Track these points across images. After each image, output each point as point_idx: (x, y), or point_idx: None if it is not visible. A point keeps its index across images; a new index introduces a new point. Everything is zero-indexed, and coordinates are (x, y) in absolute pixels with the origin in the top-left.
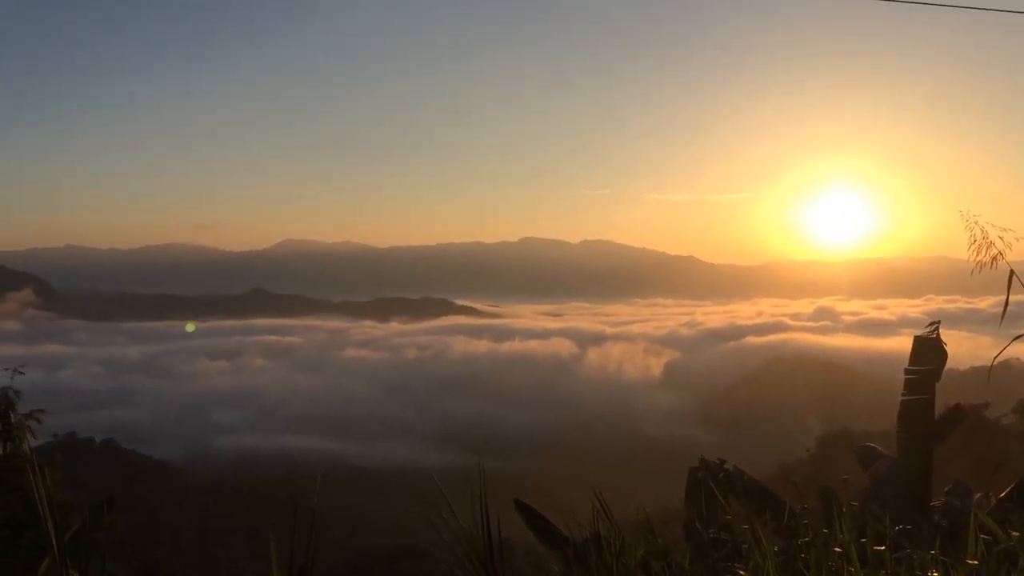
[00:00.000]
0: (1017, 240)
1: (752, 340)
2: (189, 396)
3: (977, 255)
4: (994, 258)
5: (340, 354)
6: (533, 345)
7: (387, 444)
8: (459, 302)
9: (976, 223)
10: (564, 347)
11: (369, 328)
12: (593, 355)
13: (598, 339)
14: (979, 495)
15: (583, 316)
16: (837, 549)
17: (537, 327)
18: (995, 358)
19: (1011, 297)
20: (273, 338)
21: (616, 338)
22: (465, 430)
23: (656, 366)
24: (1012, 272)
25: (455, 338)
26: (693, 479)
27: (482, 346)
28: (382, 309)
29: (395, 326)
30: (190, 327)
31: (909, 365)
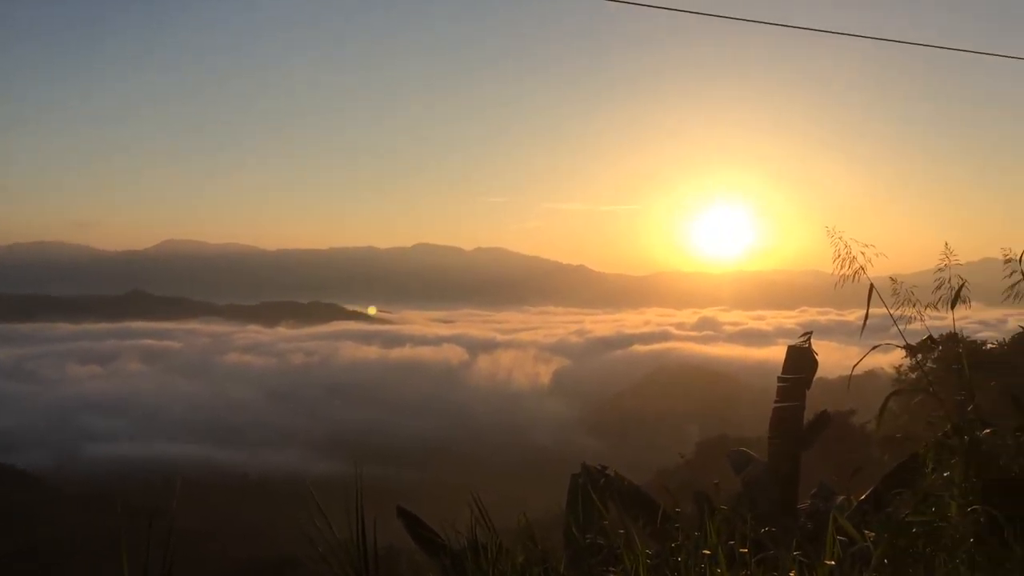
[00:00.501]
0: (877, 256)
1: (638, 348)
2: (58, 401)
3: (841, 269)
4: (856, 272)
5: (223, 359)
6: (423, 352)
7: (272, 452)
8: (349, 307)
9: (840, 239)
10: (455, 354)
11: (254, 333)
12: (483, 362)
13: (489, 346)
14: (841, 498)
15: (474, 323)
16: (706, 552)
17: (428, 333)
18: (853, 368)
19: (873, 310)
20: (151, 342)
21: (507, 345)
22: (353, 438)
23: (545, 374)
24: (872, 286)
25: (344, 344)
26: (574, 485)
27: (372, 352)
28: (269, 313)
29: (282, 331)
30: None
31: (782, 374)
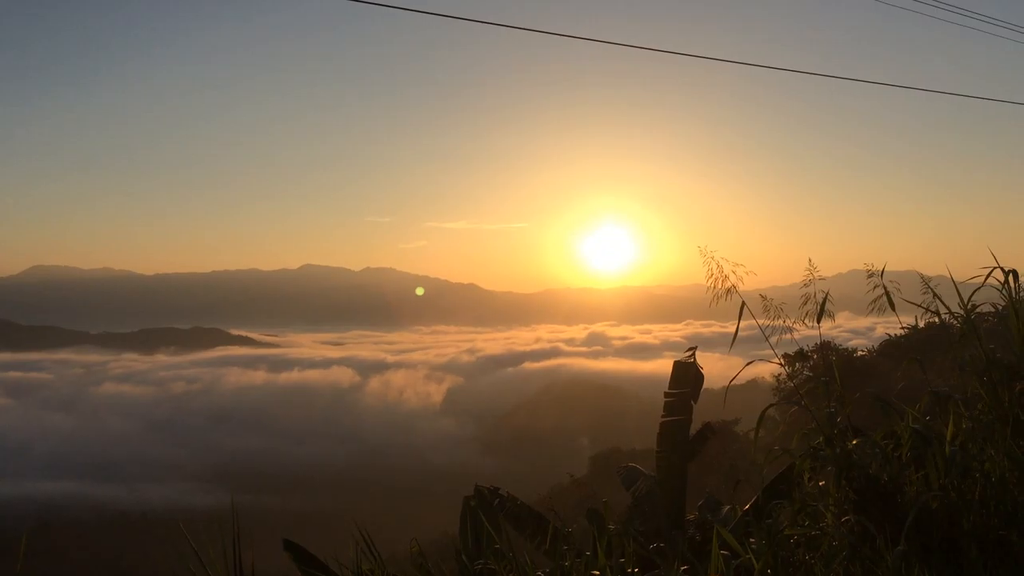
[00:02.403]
0: (748, 274)
1: (529, 365)
2: None
3: (715, 287)
4: (728, 290)
5: (97, 390)
6: (312, 375)
7: (153, 486)
8: (234, 332)
9: (712, 258)
10: (345, 376)
11: (131, 361)
12: (375, 384)
13: (379, 367)
14: (727, 508)
15: (364, 345)
16: (595, 572)
17: (317, 356)
18: (729, 383)
19: (749, 323)
20: (17, 374)
21: (398, 366)
22: (240, 467)
23: (437, 393)
24: (743, 304)
25: (228, 370)
26: (466, 508)
27: (258, 377)
28: (146, 341)
29: (161, 358)
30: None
31: (668, 389)
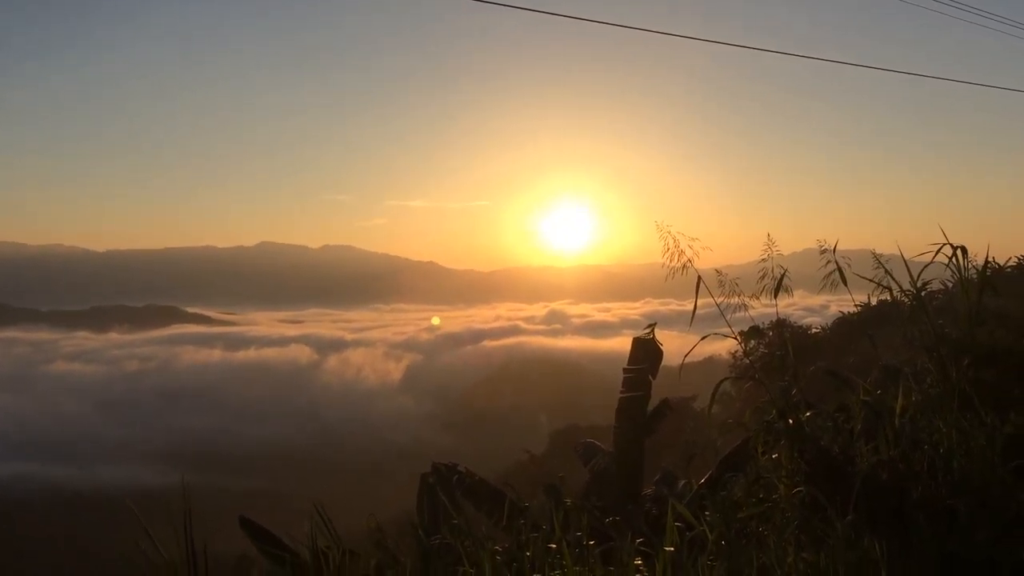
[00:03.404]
0: (704, 249)
1: (489, 344)
2: None
3: (671, 262)
4: (684, 265)
5: (47, 369)
6: (269, 353)
7: (107, 466)
8: (189, 309)
9: (669, 233)
10: (303, 354)
11: (82, 340)
12: (333, 362)
13: (338, 345)
14: (683, 482)
15: (323, 322)
16: (552, 545)
17: (274, 334)
18: (684, 357)
19: (707, 300)
20: None
21: (356, 344)
22: (196, 446)
23: (396, 371)
24: (699, 278)
25: (183, 348)
26: (424, 485)
27: (214, 355)
28: (98, 318)
29: (114, 337)
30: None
31: (628, 365)
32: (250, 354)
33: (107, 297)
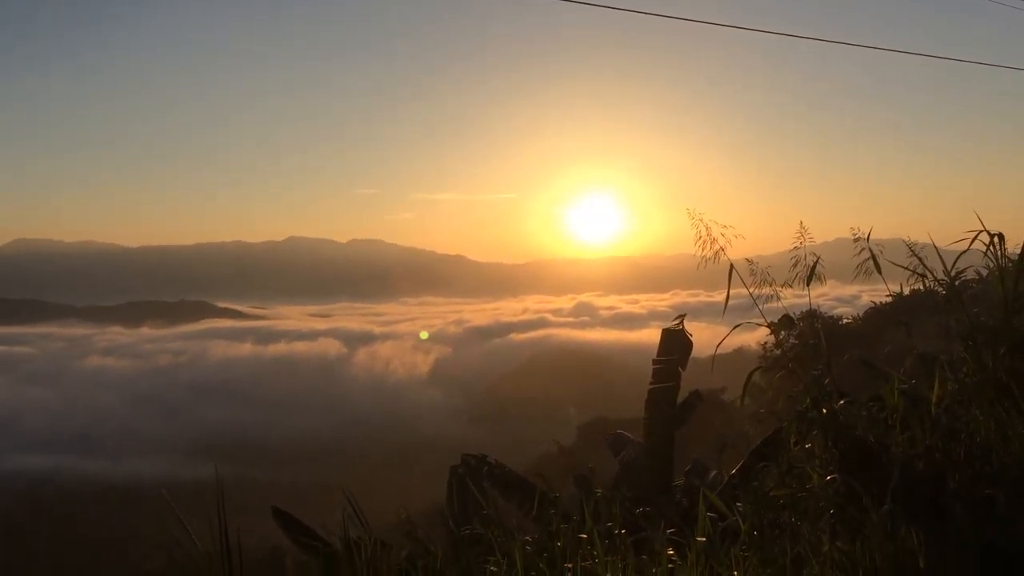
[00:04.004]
0: (736, 237)
1: (516, 336)
2: None
3: (702, 250)
4: (716, 253)
5: (81, 363)
6: (299, 347)
7: (140, 459)
8: (220, 304)
9: (701, 220)
10: (332, 348)
11: (116, 334)
12: (362, 355)
13: (367, 339)
14: (713, 473)
15: (352, 316)
16: (582, 535)
17: (304, 328)
18: (716, 347)
19: (737, 290)
20: (1, 348)
21: (385, 337)
22: (227, 439)
23: (425, 364)
24: (732, 266)
25: (214, 342)
26: (454, 476)
27: (244, 349)
28: (132, 314)
29: (146, 331)
30: None
31: (657, 356)
32: (280, 348)
33: (140, 292)
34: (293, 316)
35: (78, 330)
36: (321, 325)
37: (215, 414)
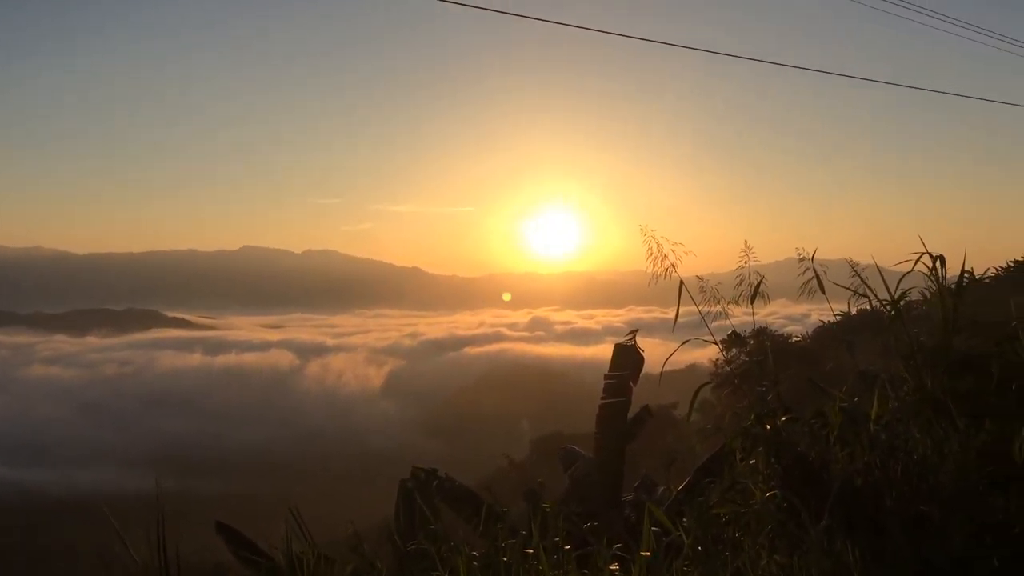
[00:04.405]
0: (687, 254)
1: (471, 350)
2: None
3: (653, 267)
4: (667, 270)
5: (25, 372)
6: (250, 358)
7: (85, 470)
8: (169, 314)
9: (653, 237)
10: (284, 359)
11: (61, 343)
12: (314, 367)
13: (320, 351)
14: (662, 488)
15: (305, 328)
16: (528, 551)
17: (255, 339)
18: (663, 363)
19: (689, 308)
20: None
21: (338, 349)
22: (175, 451)
23: (378, 377)
24: (681, 283)
25: (163, 352)
26: (403, 489)
27: (193, 360)
28: (78, 322)
29: (92, 340)
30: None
31: (609, 371)
32: (230, 359)
33: (87, 300)
34: (245, 327)
35: (22, 338)
36: (273, 336)
37: (163, 426)
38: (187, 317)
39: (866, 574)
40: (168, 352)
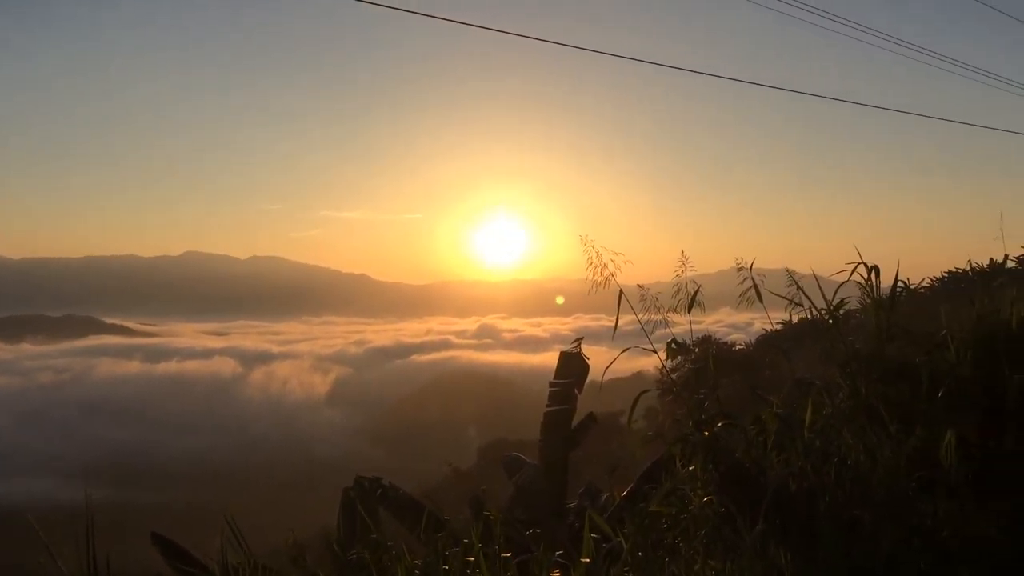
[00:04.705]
0: (626, 263)
1: (419, 358)
2: None
3: (593, 276)
4: (607, 279)
5: None
6: (192, 365)
7: (20, 481)
8: (109, 320)
9: (592, 246)
10: (227, 367)
11: None
12: (259, 375)
13: (265, 358)
14: (606, 495)
15: (249, 335)
16: (470, 558)
17: (198, 346)
18: (604, 371)
19: (628, 316)
20: None
21: (283, 357)
22: (114, 461)
23: (324, 385)
24: (621, 292)
25: (101, 360)
26: (346, 499)
27: (133, 367)
28: (12, 329)
29: (27, 347)
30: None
31: (554, 379)
32: (172, 366)
33: (22, 307)
34: (187, 334)
35: None
36: (216, 343)
37: (101, 434)
38: (127, 324)
39: None
40: (107, 359)
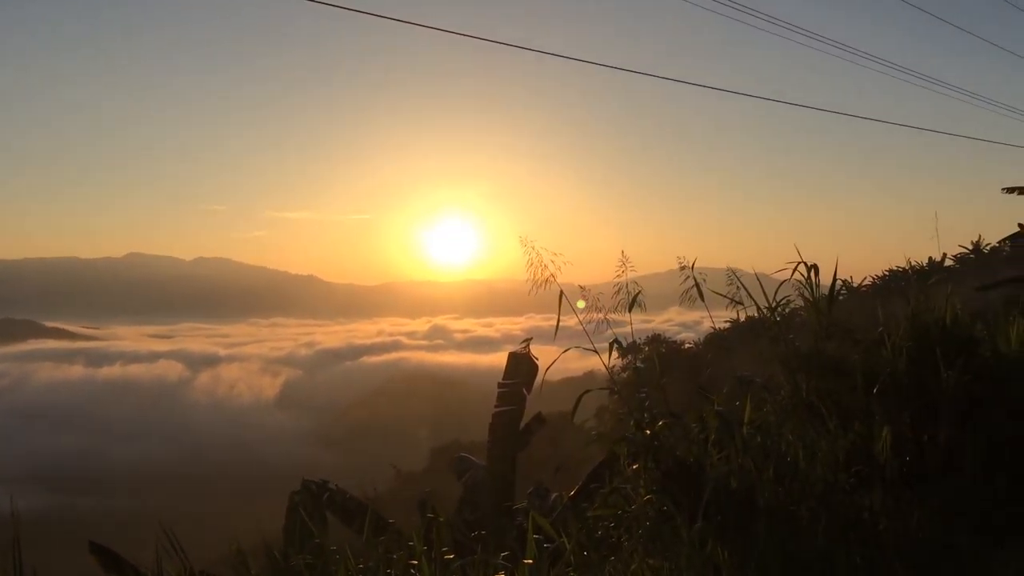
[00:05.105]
0: (566, 264)
1: (369, 359)
2: None
3: (534, 277)
4: (547, 280)
5: None
6: (136, 369)
7: None
8: (48, 324)
9: (532, 247)
10: (173, 370)
11: None
12: (205, 378)
13: (211, 361)
14: (555, 495)
15: (196, 337)
16: (413, 561)
17: (142, 349)
18: (545, 370)
19: (569, 315)
20: None
21: (231, 359)
22: (56, 467)
23: (273, 387)
24: (561, 292)
25: (40, 364)
26: (292, 503)
27: (74, 372)
28: None
29: None
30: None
31: (503, 379)
32: (115, 370)
33: None
34: (130, 337)
35: None
36: (161, 347)
37: (41, 441)
38: (68, 327)
39: (734, 573)
40: (47, 364)
